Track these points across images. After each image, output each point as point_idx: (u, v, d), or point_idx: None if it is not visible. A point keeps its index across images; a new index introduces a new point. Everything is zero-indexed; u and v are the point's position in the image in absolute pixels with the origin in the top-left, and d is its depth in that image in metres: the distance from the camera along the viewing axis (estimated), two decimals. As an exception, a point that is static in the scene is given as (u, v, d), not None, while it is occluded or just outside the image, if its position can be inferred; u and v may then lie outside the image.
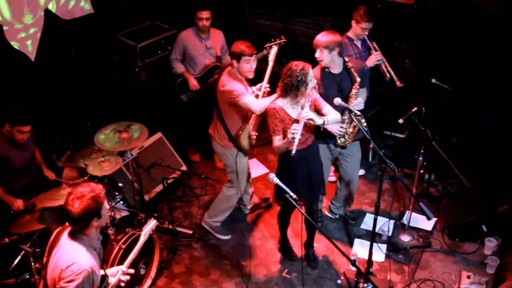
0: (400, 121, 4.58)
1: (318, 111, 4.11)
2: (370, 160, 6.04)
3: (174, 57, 5.46)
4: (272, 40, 5.22)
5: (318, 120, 3.92)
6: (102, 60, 6.01)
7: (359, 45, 5.05)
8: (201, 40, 5.35)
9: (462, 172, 5.35)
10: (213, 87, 5.39)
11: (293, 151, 3.82)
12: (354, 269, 4.63)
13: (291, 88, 3.88)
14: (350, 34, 5.00)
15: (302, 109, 3.92)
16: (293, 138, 3.81)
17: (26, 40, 4.85)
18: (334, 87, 4.35)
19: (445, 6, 5.97)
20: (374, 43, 5.09)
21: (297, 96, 3.92)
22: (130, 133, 4.59)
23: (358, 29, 4.91)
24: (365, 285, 4.35)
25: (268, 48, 5.23)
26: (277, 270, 4.75)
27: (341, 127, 4.32)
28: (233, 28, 5.53)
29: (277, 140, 4.06)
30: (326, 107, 4.09)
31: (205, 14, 5.19)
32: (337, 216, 5.23)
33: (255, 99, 4.34)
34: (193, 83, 5.40)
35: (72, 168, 4.82)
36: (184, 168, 5.67)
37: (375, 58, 5.02)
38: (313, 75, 3.92)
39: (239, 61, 4.25)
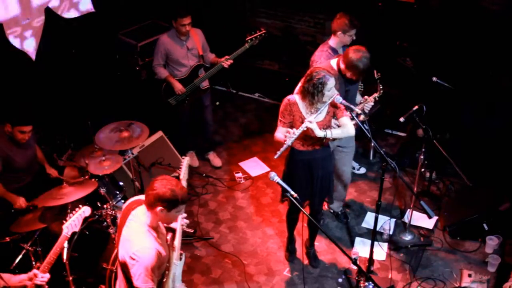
0: (401, 119, 4.58)
1: (336, 118, 4.09)
2: (371, 158, 6.04)
3: (156, 63, 5.36)
4: (253, 32, 5.23)
5: (319, 132, 3.87)
6: (102, 59, 6.01)
7: (341, 52, 4.87)
8: (181, 42, 5.29)
9: (463, 170, 5.35)
10: (199, 86, 5.43)
11: (276, 155, 3.86)
12: (355, 267, 4.63)
13: (307, 93, 3.88)
14: (333, 44, 4.72)
15: (315, 113, 3.91)
16: (284, 142, 3.83)
17: (27, 39, 4.85)
18: (342, 86, 4.38)
19: (446, 4, 5.96)
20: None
21: (313, 103, 3.91)
22: (130, 132, 4.59)
23: (346, 38, 4.67)
24: (366, 283, 4.35)
25: (249, 41, 5.23)
26: (278, 269, 4.74)
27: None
28: (233, 27, 5.52)
29: (279, 131, 4.05)
30: (343, 118, 4.03)
31: (187, 20, 5.13)
32: (331, 211, 5.23)
33: None
34: (178, 88, 5.33)
35: (73, 167, 4.81)
36: (184, 166, 5.67)
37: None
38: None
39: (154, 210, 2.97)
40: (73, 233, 4.15)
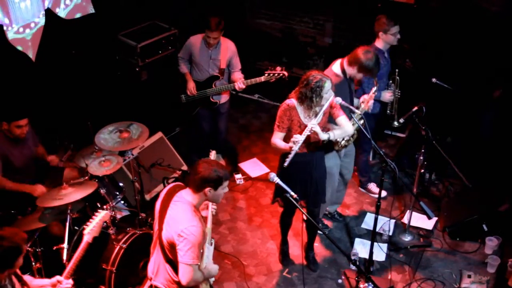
0: (401, 120, 4.59)
1: (332, 118, 4.10)
2: (370, 159, 6.03)
3: (181, 56, 5.45)
4: (272, 68, 5.18)
5: (323, 135, 3.89)
6: (102, 60, 6.00)
7: (387, 56, 4.93)
8: (207, 49, 5.28)
9: (462, 171, 5.35)
10: (209, 97, 5.40)
11: (286, 163, 3.87)
12: (354, 268, 4.63)
13: (305, 97, 3.89)
14: (379, 45, 4.81)
15: (315, 116, 3.92)
16: (292, 149, 3.84)
17: (27, 40, 4.86)
18: (347, 89, 4.39)
19: (446, 5, 5.97)
20: (397, 71, 4.94)
21: (311, 107, 3.92)
22: (130, 133, 4.59)
23: (389, 37, 4.75)
24: (366, 284, 4.35)
25: (266, 75, 5.19)
26: (278, 269, 4.75)
27: None
28: (233, 28, 5.51)
29: (277, 136, 4.05)
30: (341, 117, 4.05)
31: (214, 34, 5.11)
32: (326, 212, 5.23)
33: (197, 271, 3.22)
34: (190, 87, 5.35)
35: (73, 168, 4.82)
36: (184, 167, 5.67)
37: (389, 96, 4.92)
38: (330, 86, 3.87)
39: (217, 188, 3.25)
40: (73, 233, 4.18)
